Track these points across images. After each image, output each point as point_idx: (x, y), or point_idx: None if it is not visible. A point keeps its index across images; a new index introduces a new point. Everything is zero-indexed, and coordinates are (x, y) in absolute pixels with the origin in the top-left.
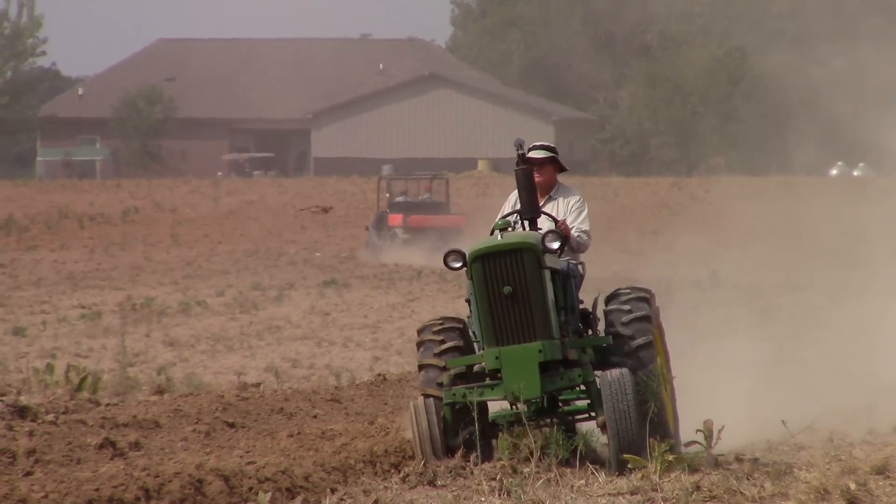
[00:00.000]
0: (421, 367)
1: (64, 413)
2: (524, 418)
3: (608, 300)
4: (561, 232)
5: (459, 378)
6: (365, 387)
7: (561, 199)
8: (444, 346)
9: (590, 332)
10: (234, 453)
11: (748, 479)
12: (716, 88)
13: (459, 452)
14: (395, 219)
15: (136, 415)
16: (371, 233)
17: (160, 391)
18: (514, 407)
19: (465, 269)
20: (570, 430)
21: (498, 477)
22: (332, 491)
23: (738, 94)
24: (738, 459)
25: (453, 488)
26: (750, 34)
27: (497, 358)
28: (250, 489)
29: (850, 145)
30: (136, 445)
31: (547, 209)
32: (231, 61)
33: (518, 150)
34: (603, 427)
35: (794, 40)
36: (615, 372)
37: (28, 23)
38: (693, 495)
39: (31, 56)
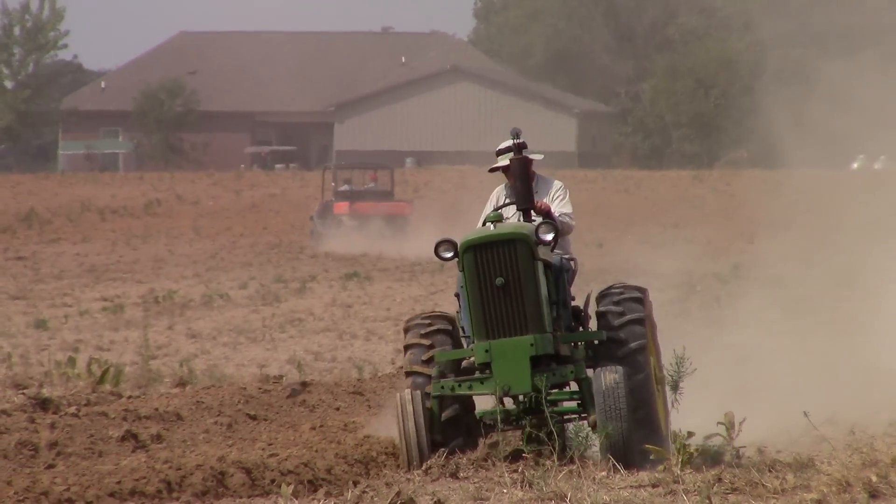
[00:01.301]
0: (408, 374)
1: (86, 405)
2: (512, 416)
3: (600, 299)
4: (541, 210)
5: (447, 369)
6: (387, 379)
7: (542, 192)
8: (430, 328)
9: (581, 329)
10: (256, 446)
11: (770, 471)
12: (737, 81)
13: (482, 445)
14: (341, 207)
15: (158, 407)
16: (315, 222)
17: (182, 384)
18: (501, 404)
19: (456, 259)
20: (557, 430)
21: (520, 469)
22: (355, 483)
23: (759, 86)
24: (760, 451)
25: (475, 480)
26: (771, 27)
27: (487, 351)
28: (272, 482)
29: (872, 139)
30: (158, 438)
31: None
32: (253, 54)
33: (514, 139)
34: (594, 426)
35: (816, 34)
36: (608, 370)
37: (50, 16)
38: (715, 487)
39: (52, 49)
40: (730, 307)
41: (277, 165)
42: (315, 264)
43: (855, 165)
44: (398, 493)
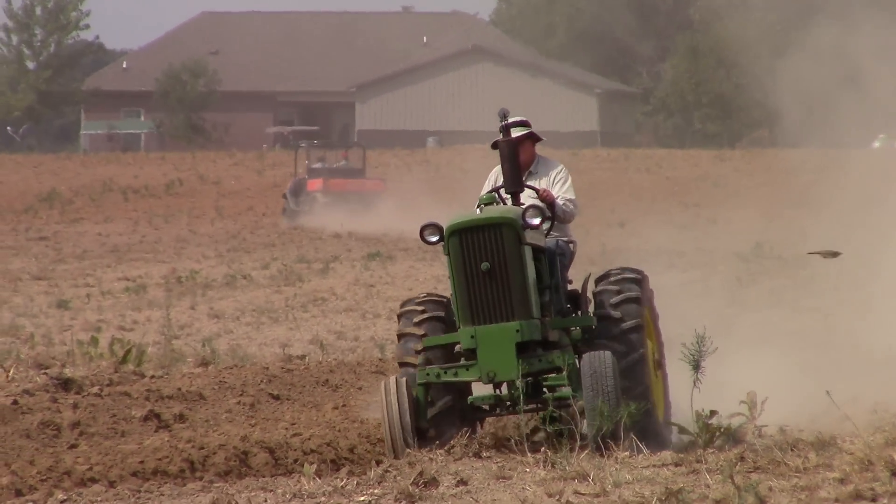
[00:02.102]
0: (401, 365)
1: (108, 385)
2: (505, 402)
3: (598, 281)
4: (545, 199)
5: (435, 355)
6: None
7: (542, 174)
8: (423, 316)
9: (579, 313)
10: (279, 425)
11: (792, 450)
12: (759, 61)
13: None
14: (315, 184)
15: (181, 387)
16: (289, 199)
17: (205, 363)
18: (496, 390)
19: (441, 243)
20: (557, 416)
21: (542, 449)
22: (378, 463)
23: (781, 66)
24: (782, 431)
25: (498, 460)
26: (793, 5)
27: (472, 337)
28: (295, 461)
29: (894, 117)
30: (180, 417)
31: (530, 184)
32: (275, 34)
33: (501, 120)
34: (582, 412)
35: (837, 12)
36: (595, 354)
37: None
38: (737, 466)
39: (74, 29)
40: (751, 286)
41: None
42: (338, 244)
43: (876, 144)
44: (421, 473)
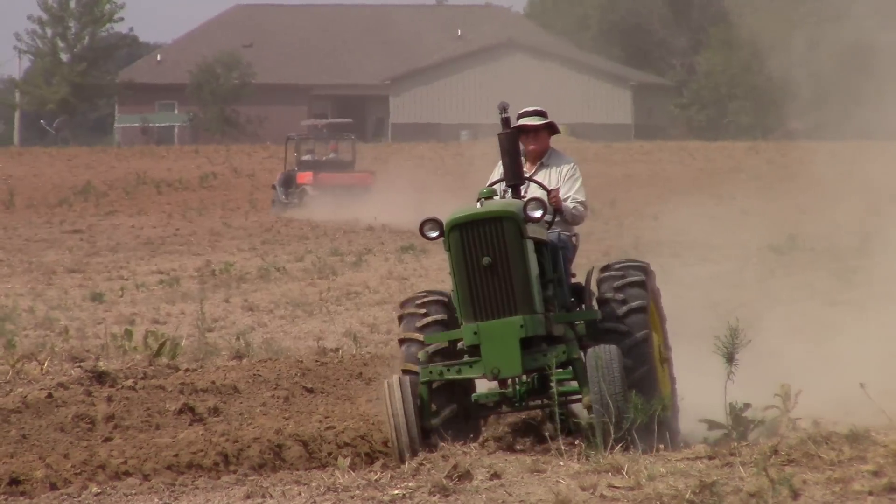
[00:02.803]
0: (402, 342)
1: (143, 378)
2: (510, 398)
3: (602, 272)
4: (554, 206)
5: (439, 355)
6: None
7: (553, 167)
8: (426, 320)
9: (583, 307)
10: (313, 418)
11: (826, 443)
12: (792, 53)
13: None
14: (305, 176)
15: (215, 380)
16: (278, 191)
17: (239, 357)
18: (503, 387)
19: (442, 238)
20: (561, 412)
21: (577, 441)
22: (412, 456)
23: (814, 58)
24: (816, 423)
25: (532, 453)
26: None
27: (475, 333)
28: (329, 454)
29: None
30: (215, 411)
31: (539, 177)
32: (309, 27)
33: (501, 113)
34: (589, 408)
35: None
36: (601, 347)
37: None
38: (771, 459)
39: (108, 22)
40: (785, 278)
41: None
42: (371, 237)
43: None
44: (455, 466)
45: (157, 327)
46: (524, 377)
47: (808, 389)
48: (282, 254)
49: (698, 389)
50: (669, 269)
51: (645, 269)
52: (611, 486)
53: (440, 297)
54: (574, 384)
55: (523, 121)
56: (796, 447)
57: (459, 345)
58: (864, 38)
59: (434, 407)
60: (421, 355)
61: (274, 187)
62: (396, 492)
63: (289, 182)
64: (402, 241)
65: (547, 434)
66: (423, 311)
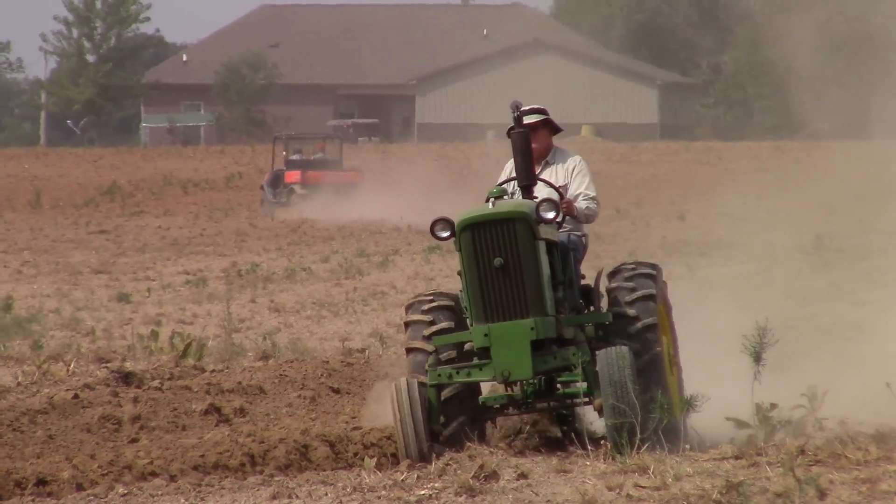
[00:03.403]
0: (409, 351)
1: (169, 379)
2: (518, 401)
3: (611, 276)
4: (566, 213)
5: (447, 362)
6: None
7: (559, 164)
8: (432, 304)
9: (591, 308)
10: (339, 419)
11: (852, 442)
12: (818, 53)
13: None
14: (293, 175)
15: (241, 381)
16: (266, 191)
17: (265, 357)
18: (507, 389)
19: (453, 239)
20: (569, 414)
21: (603, 442)
22: (438, 456)
23: (840, 58)
24: (843, 423)
25: (559, 453)
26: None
27: (486, 335)
28: (355, 455)
29: None
30: (241, 411)
31: (545, 175)
32: (335, 27)
33: (514, 112)
34: (600, 410)
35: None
36: (612, 350)
37: None
38: (798, 459)
39: (134, 22)
40: (811, 278)
41: (360, 138)
42: (397, 238)
43: None
44: (482, 466)
45: (183, 328)
46: (531, 379)
47: (834, 389)
48: (308, 254)
49: (725, 389)
50: (696, 269)
51: (655, 277)
52: (637, 485)
53: (447, 302)
54: (580, 386)
55: (526, 119)
56: (823, 447)
57: (466, 346)
58: (888, 37)
59: (443, 418)
60: (431, 359)
61: (262, 187)
62: (423, 492)
63: (277, 182)
64: (429, 242)
65: (555, 435)
66: (430, 318)
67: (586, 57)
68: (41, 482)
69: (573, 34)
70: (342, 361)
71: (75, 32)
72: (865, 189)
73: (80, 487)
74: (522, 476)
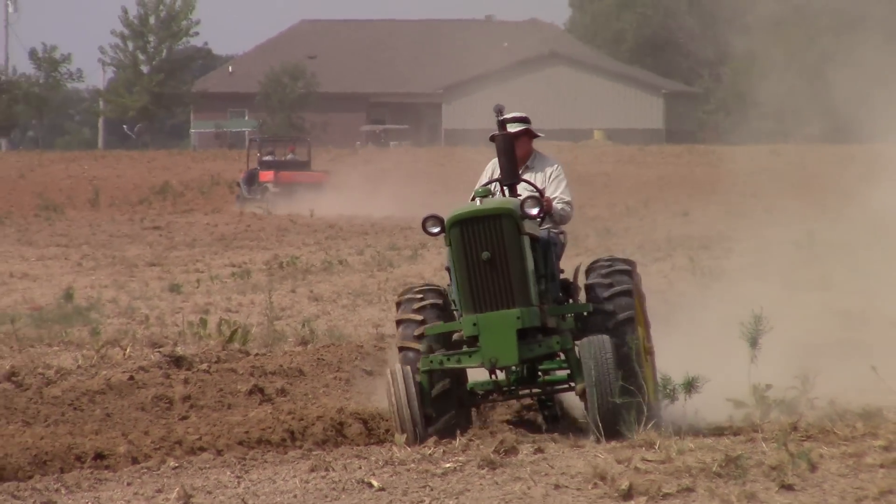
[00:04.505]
0: (401, 350)
1: (216, 363)
2: (503, 387)
3: (588, 271)
4: (545, 209)
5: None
6: None
7: (538, 170)
8: (422, 303)
9: (570, 301)
10: (372, 399)
11: (841, 420)
12: (808, 66)
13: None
14: (267, 175)
15: (283, 364)
16: (242, 188)
17: (304, 342)
18: (492, 375)
19: (443, 234)
20: (549, 400)
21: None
22: (463, 432)
23: (830, 68)
24: (832, 403)
25: (572, 432)
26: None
27: (475, 324)
28: (387, 431)
29: None
30: (282, 391)
31: (526, 179)
32: (368, 40)
33: (497, 115)
34: (582, 395)
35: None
36: (594, 338)
37: (182, 6)
38: (791, 435)
39: (184, 36)
40: (803, 270)
41: (391, 143)
42: (425, 234)
43: None
44: (502, 441)
45: (229, 316)
46: (513, 367)
47: (825, 372)
48: (344, 248)
49: (725, 372)
50: (698, 261)
51: (630, 273)
52: (644, 459)
53: (435, 300)
54: (561, 374)
55: (509, 127)
56: (814, 424)
57: (455, 336)
58: (879, 47)
59: (434, 413)
60: (422, 346)
61: (238, 185)
62: (448, 465)
63: (252, 180)
64: None
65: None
66: (421, 317)
67: (598, 68)
68: (99, 456)
69: (586, 47)
70: (375, 346)
71: (131, 45)
72: (853, 189)
73: (134, 461)
74: (539, 451)
